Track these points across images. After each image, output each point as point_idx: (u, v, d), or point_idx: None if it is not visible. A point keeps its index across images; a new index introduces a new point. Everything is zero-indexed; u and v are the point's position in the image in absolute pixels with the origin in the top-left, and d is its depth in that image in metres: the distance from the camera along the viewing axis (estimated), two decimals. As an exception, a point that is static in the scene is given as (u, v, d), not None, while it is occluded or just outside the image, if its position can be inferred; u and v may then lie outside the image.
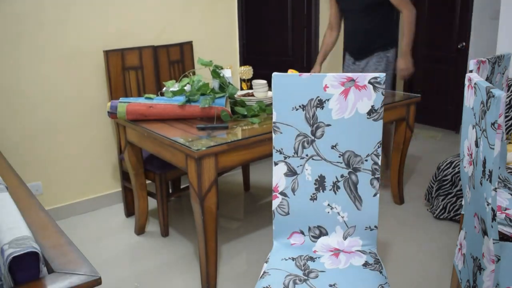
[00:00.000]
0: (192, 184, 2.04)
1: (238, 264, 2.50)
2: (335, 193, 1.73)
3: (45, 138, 2.91)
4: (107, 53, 2.85)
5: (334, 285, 1.50)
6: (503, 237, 1.95)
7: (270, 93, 2.69)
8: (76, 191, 3.11)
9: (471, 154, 1.55)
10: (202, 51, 3.44)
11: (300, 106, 1.70)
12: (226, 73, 2.57)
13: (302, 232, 1.78)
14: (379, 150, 1.69)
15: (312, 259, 1.67)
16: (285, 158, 1.74)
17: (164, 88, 2.55)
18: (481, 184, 1.38)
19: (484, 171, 1.33)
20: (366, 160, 1.69)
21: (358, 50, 3.32)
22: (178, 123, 2.36)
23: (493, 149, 1.24)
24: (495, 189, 1.28)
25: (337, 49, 3.74)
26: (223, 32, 3.59)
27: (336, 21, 3.42)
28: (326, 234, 1.77)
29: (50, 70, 2.85)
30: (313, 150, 1.72)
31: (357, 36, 3.29)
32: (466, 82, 1.60)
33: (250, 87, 2.89)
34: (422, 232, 2.79)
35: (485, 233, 1.38)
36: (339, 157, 1.71)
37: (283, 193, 1.76)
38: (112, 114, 2.38)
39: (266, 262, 1.67)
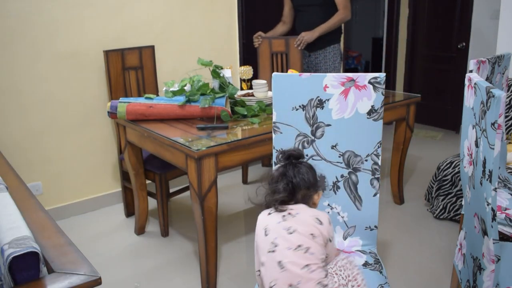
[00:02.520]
0: (192, 184, 2.04)
1: (238, 264, 2.50)
2: (335, 193, 1.73)
3: (45, 138, 2.91)
4: (107, 53, 2.85)
5: (334, 285, 1.50)
6: (503, 237, 1.95)
7: (270, 93, 2.69)
8: (76, 191, 3.11)
9: (471, 154, 1.55)
10: (202, 51, 3.44)
11: (300, 106, 1.70)
12: (226, 73, 2.57)
13: (302, 232, 1.78)
14: (379, 150, 1.69)
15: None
16: (285, 158, 1.74)
17: (164, 88, 2.55)
18: (481, 184, 1.38)
19: (484, 171, 1.33)
20: (366, 160, 1.69)
21: (314, 42, 3.42)
22: (178, 123, 2.36)
23: (493, 149, 1.24)
24: (495, 189, 1.28)
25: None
26: (223, 32, 3.59)
27: (289, 17, 3.62)
28: (326, 234, 1.77)
29: (50, 70, 2.85)
30: (313, 150, 1.72)
31: (310, 29, 3.41)
32: (466, 82, 1.60)
33: (250, 87, 2.89)
34: (422, 232, 2.79)
35: (485, 233, 1.38)
36: (339, 157, 1.71)
37: (283, 193, 1.75)
38: (112, 114, 2.38)
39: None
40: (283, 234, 1.31)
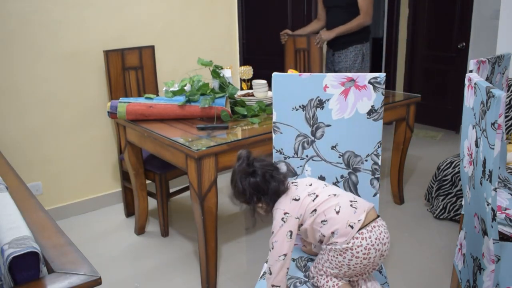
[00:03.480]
0: (192, 184, 2.04)
1: (238, 264, 2.50)
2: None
3: (45, 138, 2.91)
4: (107, 53, 2.85)
5: (334, 285, 1.50)
6: (503, 237, 1.95)
7: (270, 93, 2.69)
8: (76, 191, 3.11)
9: (471, 154, 1.55)
10: (202, 51, 3.44)
11: (300, 106, 1.70)
12: (226, 73, 2.57)
13: (302, 232, 1.78)
14: (379, 150, 1.69)
15: (312, 260, 1.66)
16: (285, 158, 1.74)
17: (164, 88, 2.55)
18: (481, 184, 1.38)
19: (484, 171, 1.33)
20: (366, 160, 1.69)
21: (336, 41, 3.60)
22: (178, 123, 2.36)
23: (493, 149, 1.24)
24: (495, 189, 1.28)
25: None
26: (223, 32, 3.59)
27: (323, 15, 3.80)
28: (326, 234, 1.77)
29: (50, 70, 2.85)
30: (313, 151, 1.72)
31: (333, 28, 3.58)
32: (466, 82, 1.60)
33: (250, 87, 2.89)
34: (422, 232, 2.79)
35: (485, 233, 1.38)
36: (339, 157, 1.71)
37: (283, 193, 1.75)
38: (112, 114, 2.38)
39: (267, 262, 1.67)
40: (308, 188, 1.48)
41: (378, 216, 1.43)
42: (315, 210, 1.42)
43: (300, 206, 1.43)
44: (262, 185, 1.46)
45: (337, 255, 1.38)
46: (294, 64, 3.76)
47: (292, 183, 1.51)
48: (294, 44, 3.74)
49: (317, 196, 1.44)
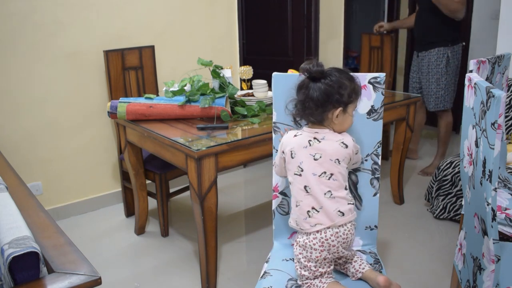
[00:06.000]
0: (192, 184, 2.04)
1: (238, 264, 2.50)
2: (335, 193, 1.73)
3: (45, 138, 2.91)
4: (107, 53, 2.85)
5: (334, 285, 1.50)
6: (503, 237, 1.95)
7: (270, 93, 2.69)
8: (76, 191, 3.11)
9: (471, 154, 1.55)
10: (202, 51, 3.44)
11: (300, 106, 1.69)
12: (226, 73, 2.57)
13: (302, 232, 1.78)
14: (379, 150, 1.69)
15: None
16: (285, 158, 1.74)
17: (164, 88, 2.55)
18: (481, 184, 1.38)
19: (484, 171, 1.33)
20: (366, 160, 1.69)
21: (417, 42, 3.59)
22: (178, 123, 2.36)
23: (493, 149, 1.24)
24: (495, 189, 1.28)
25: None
26: (223, 32, 3.59)
27: None
28: (326, 234, 1.76)
29: (50, 70, 2.85)
30: (313, 150, 1.72)
31: (418, 28, 3.56)
32: (466, 82, 1.60)
33: (250, 87, 2.89)
34: (422, 232, 2.78)
35: (485, 233, 1.38)
36: (339, 157, 1.70)
37: (283, 193, 1.75)
38: (112, 114, 2.38)
39: (267, 262, 1.67)
40: (309, 159, 1.43)
41: (341, 225, 1.41)
42: (290, 183, 1.49)
43: (289, 161, 1.48)
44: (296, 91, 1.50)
45: (301, 250, 1.43)
46: (368, 62, 3.79)
47: (314, 138, 1.46)
48: (369, 42, 3.75)
49: (300, 175, 1.45)
